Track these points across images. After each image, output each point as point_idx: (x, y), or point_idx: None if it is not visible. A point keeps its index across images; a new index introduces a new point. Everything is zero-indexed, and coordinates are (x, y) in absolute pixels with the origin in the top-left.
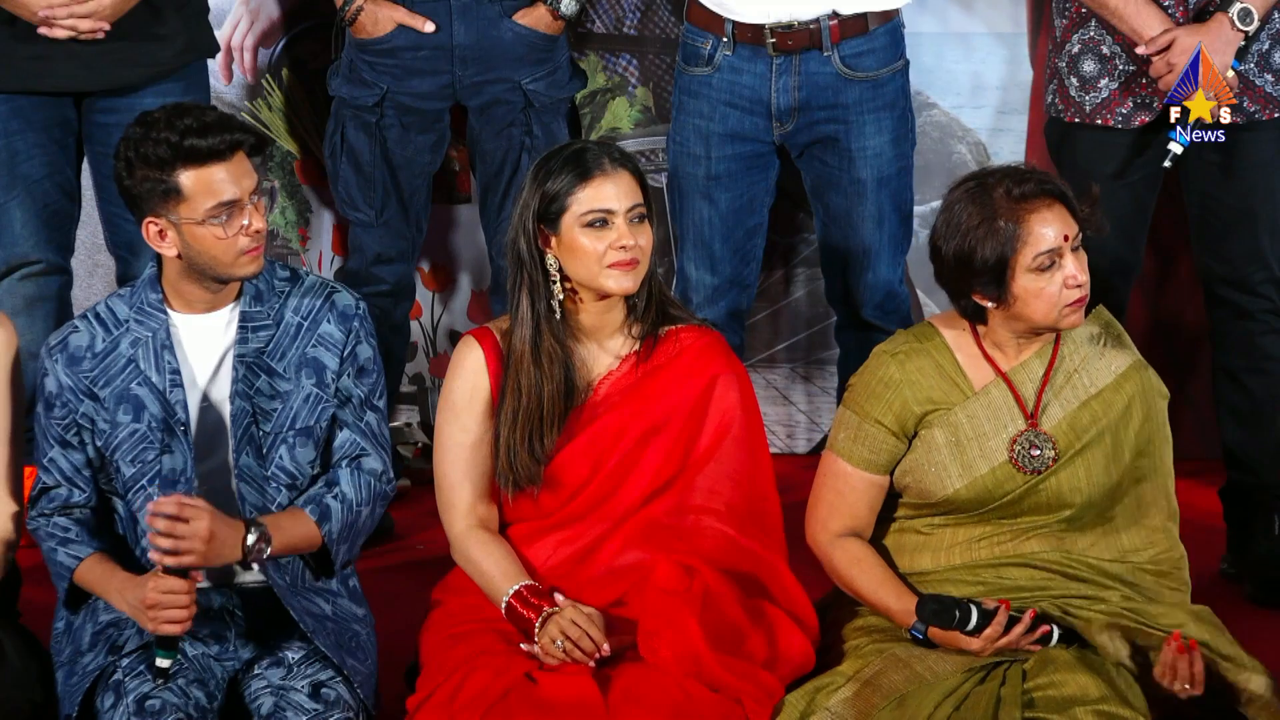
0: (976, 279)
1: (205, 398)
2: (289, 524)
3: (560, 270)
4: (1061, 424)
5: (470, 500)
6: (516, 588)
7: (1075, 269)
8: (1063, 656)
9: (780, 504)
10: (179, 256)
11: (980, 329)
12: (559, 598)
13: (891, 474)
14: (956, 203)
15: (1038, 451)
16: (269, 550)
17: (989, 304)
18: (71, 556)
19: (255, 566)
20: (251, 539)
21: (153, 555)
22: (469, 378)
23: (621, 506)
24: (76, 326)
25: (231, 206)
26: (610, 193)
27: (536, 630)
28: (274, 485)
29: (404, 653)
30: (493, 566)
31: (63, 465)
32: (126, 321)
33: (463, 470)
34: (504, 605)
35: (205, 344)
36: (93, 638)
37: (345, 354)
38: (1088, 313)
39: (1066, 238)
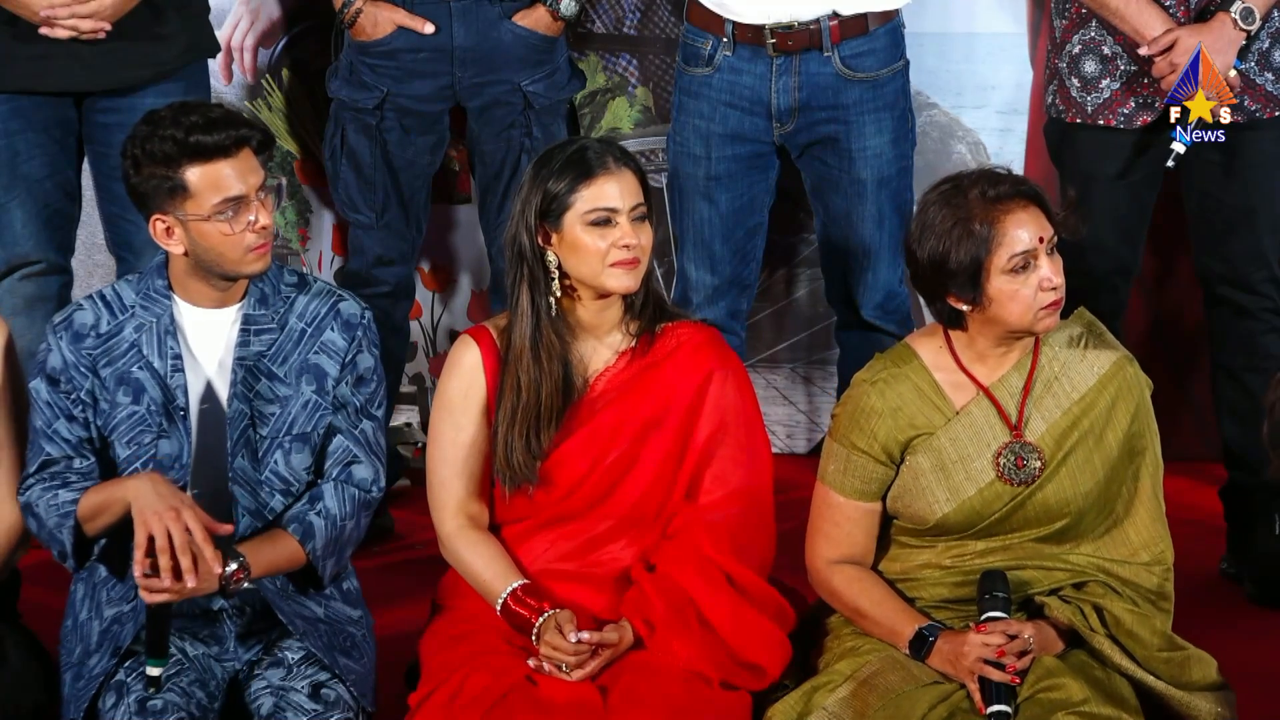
0: (951, 281)
1: (204, 396)
2: (269, 548)
3: (559, 267)
4: (1046, 435)
5: (461, 498)
6: (512, 588)
7: (1050, 271)
8: (1050, 662)
9: (773, 500)
10: (186, 254)
11: (958, 341)
12: (549, 616)
13: (884, 498)
14: (931, 205)
15: (1025, 462)
16: (247, 581)
17: (964, 306)
18: (74, 492)
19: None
20: (229, 569)
21: (139, 584)
22: (465, 376)
23: (618, 502)
24: (81, 305)
25: (238, 202)
26: (614, 191)
27: (536, 633)
28: (267, 490)
29: (404, 653)
30: (484, 567)
31: (68, 436)
32: (132, 307)
33: (455, 468)
34: (499, 605)
35: (209, 338)
36: (100, 636)
37: (346, 361)
38: (1067, 314)
39: (1042, 240)
